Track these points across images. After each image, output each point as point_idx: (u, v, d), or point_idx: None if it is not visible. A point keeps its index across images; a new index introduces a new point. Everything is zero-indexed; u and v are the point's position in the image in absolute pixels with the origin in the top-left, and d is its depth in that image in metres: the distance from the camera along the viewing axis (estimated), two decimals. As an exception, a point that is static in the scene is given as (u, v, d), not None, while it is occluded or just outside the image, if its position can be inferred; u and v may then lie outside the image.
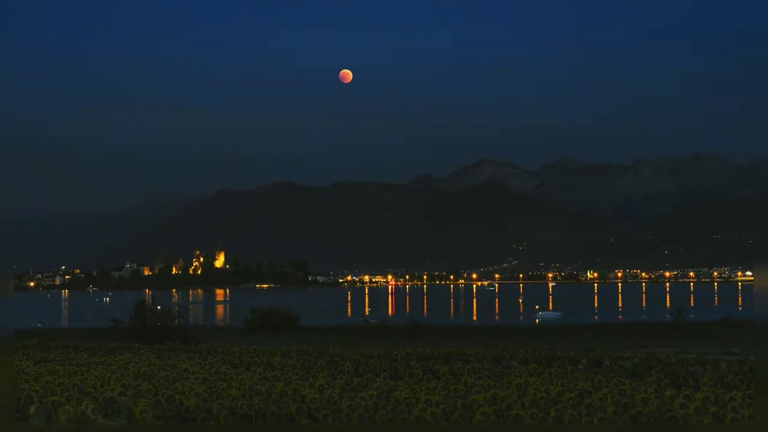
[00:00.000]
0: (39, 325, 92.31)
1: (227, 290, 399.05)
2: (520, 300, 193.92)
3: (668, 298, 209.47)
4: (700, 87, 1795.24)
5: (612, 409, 10.26)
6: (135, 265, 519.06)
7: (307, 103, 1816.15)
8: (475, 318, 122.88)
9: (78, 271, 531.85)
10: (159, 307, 60.94)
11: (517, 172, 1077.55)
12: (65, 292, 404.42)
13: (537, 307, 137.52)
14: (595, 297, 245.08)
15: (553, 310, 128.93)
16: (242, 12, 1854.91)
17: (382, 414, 9.85)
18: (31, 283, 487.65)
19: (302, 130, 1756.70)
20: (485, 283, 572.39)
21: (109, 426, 9.34)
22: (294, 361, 21.06)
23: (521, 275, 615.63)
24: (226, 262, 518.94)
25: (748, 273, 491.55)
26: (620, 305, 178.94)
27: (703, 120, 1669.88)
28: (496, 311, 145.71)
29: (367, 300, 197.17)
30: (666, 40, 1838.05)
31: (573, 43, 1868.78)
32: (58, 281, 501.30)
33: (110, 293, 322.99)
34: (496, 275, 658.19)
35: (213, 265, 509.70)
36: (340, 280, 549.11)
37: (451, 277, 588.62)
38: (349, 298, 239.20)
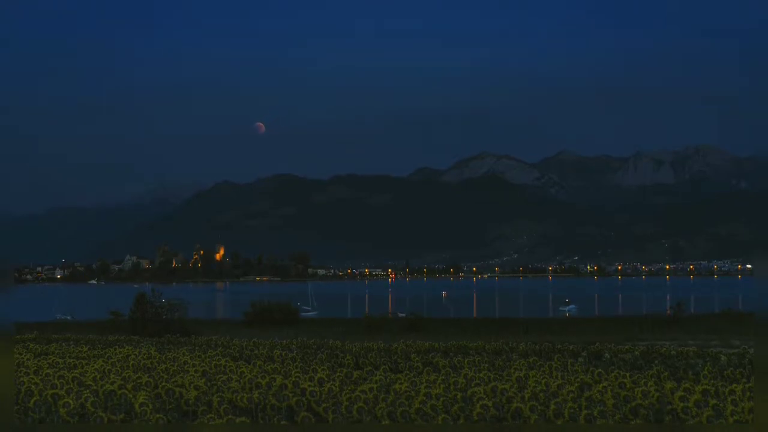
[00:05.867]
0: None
1: (227, 283, 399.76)
2: None
3: (668, 291, 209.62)
4: (700, 79, 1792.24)
5: (612, 402, 10.26)
6: (135, 258, 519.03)
7: (306, 95, 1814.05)
8: (475, 313, 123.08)
9: (78, 264, 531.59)
10: (164, 300, 60.75)
11: (517, 165, 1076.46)
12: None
13: (567, 300, 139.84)
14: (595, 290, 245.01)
15: (571, 302, 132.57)
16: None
17: (382, 407, 9.85)
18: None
19: (302, 123, 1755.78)
20: (485, 276, 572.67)
21: (108, 419, 9.33)
22: (294, 354, 21.06)
23: (521, 268, 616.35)
24: (225, 255, 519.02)
25: (749, 266, 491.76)
26: (620, 298, 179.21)
27: (702, 112, 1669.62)
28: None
29: (367, 298, 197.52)
30: (665, 34, 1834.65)
31: (573, 41, 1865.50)
32: (58, 275, 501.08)
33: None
34: (496, 268, 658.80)
35: (213, 258, 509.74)
36: (340, 273, 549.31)
37: (452, 270, 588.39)
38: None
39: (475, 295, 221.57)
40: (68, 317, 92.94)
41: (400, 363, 18.64)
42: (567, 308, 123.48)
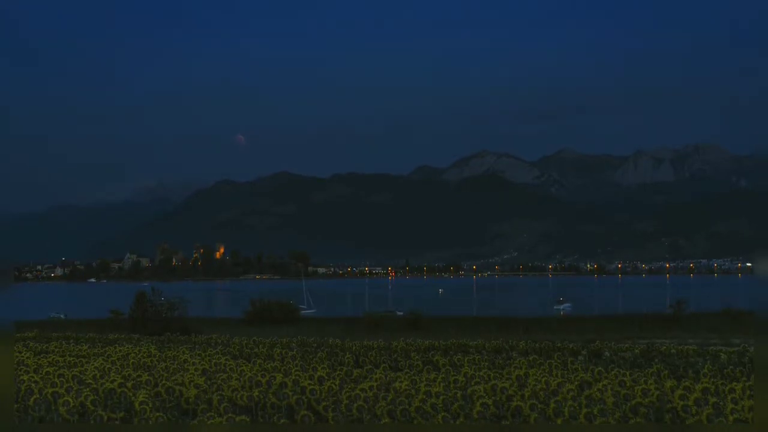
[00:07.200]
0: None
1: (227, 281, 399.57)
2: None
3: (668, 290, 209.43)
4: (700, 78, 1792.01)
5: (612, 401, 10.27)
6: (135, 256, 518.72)
7: (307, 93, 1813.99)
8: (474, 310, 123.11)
9: (78, 263, 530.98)
10: (163, 299, 60.70)
11: (517, 163, 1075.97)
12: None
13: (561, 299, 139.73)
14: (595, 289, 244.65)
15: (566, 301, 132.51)
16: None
17: (382, 405, 9.85)
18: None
19: (301, 122, 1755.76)
20: (485, 274, 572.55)
21: (108, 417, 9.33)
22: (294, 352, 21.07)
23: (521, 266, 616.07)
24: (225, 253, 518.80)
25: (749, 264, 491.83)
26: (620, 297, 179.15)
27: (702, 110, 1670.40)
28: None
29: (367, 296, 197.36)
30: (664, 33, 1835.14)
31: (573, 40, 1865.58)
32: (58, 273, 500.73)
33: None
34: (496, 266, 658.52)
35: (213, 256, 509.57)
36: (340, 272, 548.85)
37: (452, 268, 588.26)
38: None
39: (474, 291, 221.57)
40: (61, 315, 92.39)
41: (400, 361, 18.64)
42: (561, 307, 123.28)
